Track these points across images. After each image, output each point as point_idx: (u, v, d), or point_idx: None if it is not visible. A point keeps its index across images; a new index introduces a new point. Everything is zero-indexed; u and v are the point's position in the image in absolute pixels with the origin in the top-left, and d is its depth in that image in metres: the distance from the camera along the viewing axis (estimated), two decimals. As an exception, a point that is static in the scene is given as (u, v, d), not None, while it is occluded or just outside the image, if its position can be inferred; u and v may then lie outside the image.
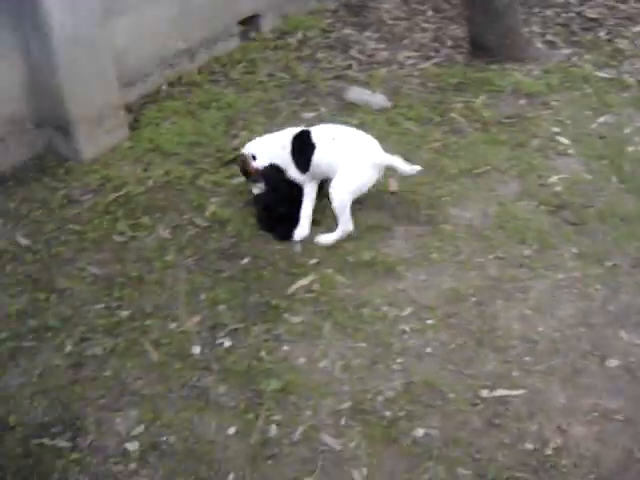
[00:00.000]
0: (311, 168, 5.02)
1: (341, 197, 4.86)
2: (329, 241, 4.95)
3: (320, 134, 5.05)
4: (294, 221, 5.07)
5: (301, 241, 4.99)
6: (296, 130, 5.20)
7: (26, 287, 4.79)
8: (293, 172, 5.11)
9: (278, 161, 5.13)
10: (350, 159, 4.87)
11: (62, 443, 3.77)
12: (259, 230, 5.11)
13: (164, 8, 6.72)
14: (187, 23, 6.96)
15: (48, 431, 3.84)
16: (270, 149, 5.17)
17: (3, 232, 5.30)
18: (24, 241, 5.18)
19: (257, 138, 5.34)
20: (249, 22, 7.66)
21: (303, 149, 5.03)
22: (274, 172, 5.13)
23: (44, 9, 5.40)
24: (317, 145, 4.98)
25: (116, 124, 6.11)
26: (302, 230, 5.05)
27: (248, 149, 5.24)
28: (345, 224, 4.93)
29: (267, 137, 5.30)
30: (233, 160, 5.67)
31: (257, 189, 5.22)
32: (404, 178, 5.41)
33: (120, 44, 6.29)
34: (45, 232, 5.26)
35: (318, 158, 4.97)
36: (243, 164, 5.23)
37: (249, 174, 5.23)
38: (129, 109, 6.43)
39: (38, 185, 5.76)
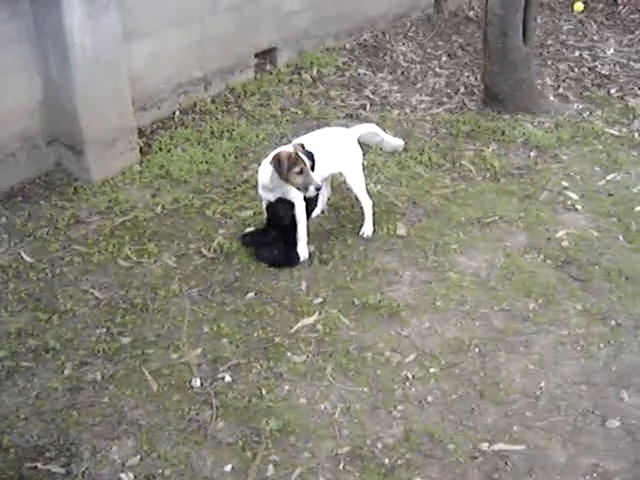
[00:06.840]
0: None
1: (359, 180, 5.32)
2: (371, 228, 5.38)
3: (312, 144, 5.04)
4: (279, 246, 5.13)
5: (307, 280, 4.98)
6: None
7: (28, 306, 4.77)
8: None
9: None
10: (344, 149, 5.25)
11: (56, 468, 3.72)
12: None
13: (183, 35, 6.78)
14: (205, 51, 7.01)
15: (42, 455, 3.79)
16: None
17: (7, 248, 5.27)
18: (28, 259, 5.15)
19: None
20: (266, 55, 7.73)
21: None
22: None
23: (66, 28, 5.43)
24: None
25: (128, 147, 6.12)
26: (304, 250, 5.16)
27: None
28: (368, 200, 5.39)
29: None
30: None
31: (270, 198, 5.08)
32: (412, 223, 5.46)
33: (137, 68, 6.33)
34: (50, 251, 5.23)
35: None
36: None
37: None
38: (141, 133, 6.44)
39: (45, 203, 5.75)
